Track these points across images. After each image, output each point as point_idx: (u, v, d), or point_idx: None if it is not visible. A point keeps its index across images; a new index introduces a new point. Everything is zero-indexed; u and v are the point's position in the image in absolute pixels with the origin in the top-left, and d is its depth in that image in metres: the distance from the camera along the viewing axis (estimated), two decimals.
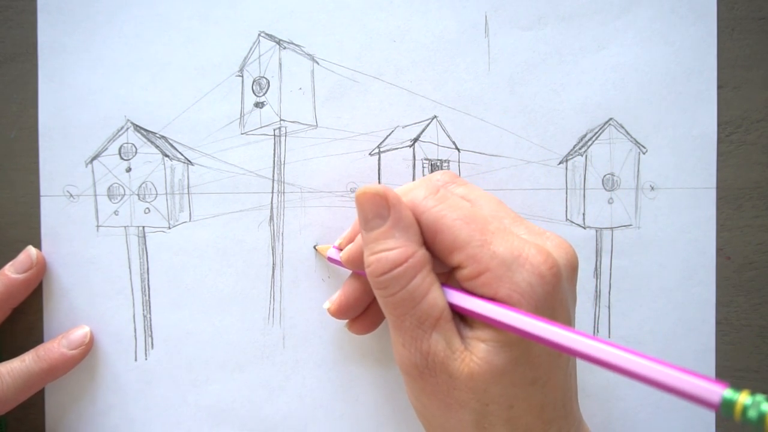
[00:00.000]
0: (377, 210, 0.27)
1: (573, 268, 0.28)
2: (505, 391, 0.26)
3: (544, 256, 0.26)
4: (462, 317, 0.27)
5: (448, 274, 0.28)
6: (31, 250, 0.35)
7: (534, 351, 0.26)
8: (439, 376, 0.26)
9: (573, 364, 0.29)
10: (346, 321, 0.33)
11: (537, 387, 0.26)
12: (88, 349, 0.35)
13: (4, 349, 0.36)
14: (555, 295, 0.26)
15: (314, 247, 0.35)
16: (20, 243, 0.35)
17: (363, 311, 0.33)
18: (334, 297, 0.32)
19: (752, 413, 0.19)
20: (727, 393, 0.20)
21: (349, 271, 0.33)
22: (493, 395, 0.26)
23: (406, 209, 0.27)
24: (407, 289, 0.26)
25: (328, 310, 0.32)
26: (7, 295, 0.34)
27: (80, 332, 0.35)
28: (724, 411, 0.20)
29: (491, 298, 0.26)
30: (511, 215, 0.29)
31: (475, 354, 0.26)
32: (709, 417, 0.35)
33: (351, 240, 0.32)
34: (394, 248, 0.27)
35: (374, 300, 0.33)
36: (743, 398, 0.19)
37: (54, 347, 0.34)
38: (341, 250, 0.32)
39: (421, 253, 0.27)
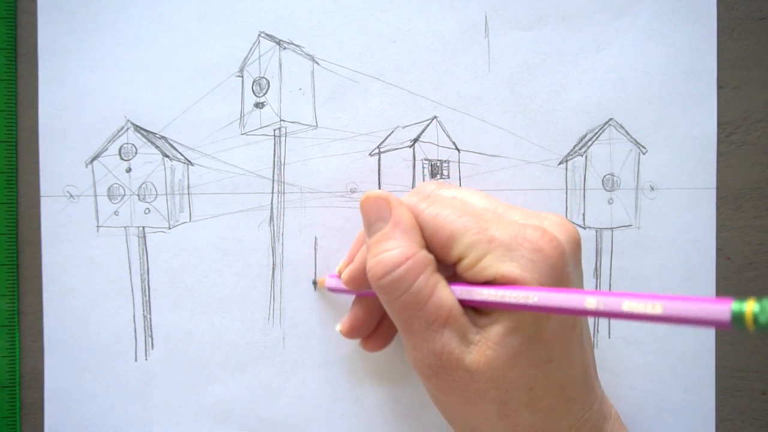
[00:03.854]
0: (379, 213, 0.28)
1: (575, 243, 0.27)
2: (523, 373, 0.26)
3: (541, 232, 0.26)
4: (475, 308, 0.27)
5: (452, 275, 0.28)
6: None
7: (547, 328, 0.26)
8: (455, 372, 0.26)
9: (588, 339, 0.29)
10: (359, 340, 0.33)
11: (554, 365, 0.26)
12: None
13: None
14: (559, 269, 0.26)
15: (313, 282, 0.35)
16: (20, 243, 0.35)
17: (375, 328, 0.33)
18: (345, 318, 0.32)
19: (763, 318, 0.19)
20: (735, 306, 0.19)
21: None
22: (512, 380, 0.26)
23: (407, 212, 0.27)
24: (411, 291, 0.26)
25: (340, 331, 0.32)
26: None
27: None
28: (735, 324, 0.19)
29: (493, 280, 0.26)
30: (503, 205, 0.29)
31: (491, 340, 0.26)
32: (709, 417, 0.35)
33: (349, 263, 0.32)
34: (393, 249, 0.27)
35: (385, 316, 0.33)
36: (751, 306, 0.19)
37: None
38: (340, 275, 0.32)
39: (423, 253, 0.27)
